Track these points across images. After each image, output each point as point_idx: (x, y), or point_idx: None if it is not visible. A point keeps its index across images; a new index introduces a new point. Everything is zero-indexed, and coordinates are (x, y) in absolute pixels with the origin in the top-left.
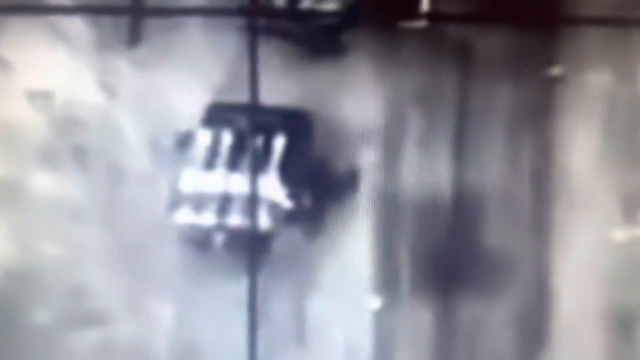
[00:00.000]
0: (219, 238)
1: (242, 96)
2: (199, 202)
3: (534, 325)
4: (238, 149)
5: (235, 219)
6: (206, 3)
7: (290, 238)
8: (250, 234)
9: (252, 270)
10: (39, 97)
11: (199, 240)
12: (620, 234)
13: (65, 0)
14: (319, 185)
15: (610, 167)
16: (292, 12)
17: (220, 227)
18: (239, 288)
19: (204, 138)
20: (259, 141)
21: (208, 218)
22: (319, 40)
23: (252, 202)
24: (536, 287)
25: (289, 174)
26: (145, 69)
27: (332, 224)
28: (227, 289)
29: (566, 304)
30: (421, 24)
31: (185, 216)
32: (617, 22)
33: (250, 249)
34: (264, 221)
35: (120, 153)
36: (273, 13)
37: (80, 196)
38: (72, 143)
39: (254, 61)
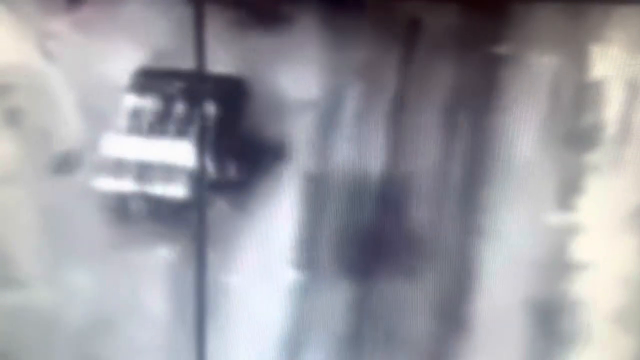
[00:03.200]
0: (137, 205)
1: (185, 62)
2: (119, 168)
3: (455, 309)
4: (163, 115)
5: (154, 187)
6: None
7: (212, 209)
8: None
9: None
10: None
11: (118, 208)
12: (552, 219)
13: None
14: (246, 156)
15: (549, 151)
16: None
17: (139, 195)
18: (156, 259)
19: (128, 103)
20: (184, 108)
21: (127, 185)
22: (264, 10)
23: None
24: (460, 270)
25: (214, 142)
26: (85, 32)
27: (257, 196)
28: (146, 259)
29: (490, 288)
30: None
31: (105, 183)
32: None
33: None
34: (179, 190)
35: (53, 117)
36: None
37: (9, 160)
38: (5, 105)
39: (200, 27)
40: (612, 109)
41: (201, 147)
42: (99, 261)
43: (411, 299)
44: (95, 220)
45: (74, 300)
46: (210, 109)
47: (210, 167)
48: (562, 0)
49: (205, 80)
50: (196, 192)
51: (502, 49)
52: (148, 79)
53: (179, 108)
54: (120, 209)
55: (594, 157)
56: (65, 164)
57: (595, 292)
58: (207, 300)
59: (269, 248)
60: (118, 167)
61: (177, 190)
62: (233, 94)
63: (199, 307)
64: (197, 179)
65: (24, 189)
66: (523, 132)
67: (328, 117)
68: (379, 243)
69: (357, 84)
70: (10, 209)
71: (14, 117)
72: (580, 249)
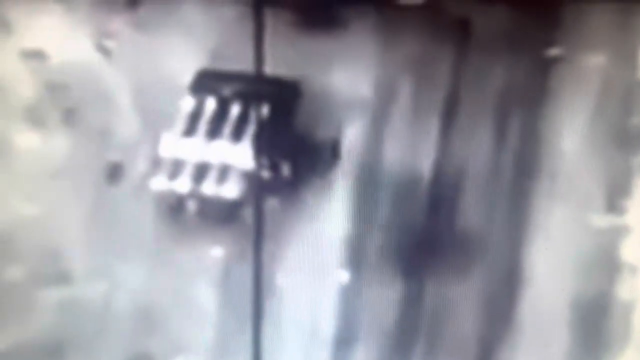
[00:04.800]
0: (192, 205)
1: (241, 64)
2: (175, 168)
3: (502, 309)
4: (220, 116)
5: (209, 187)
6: None
7: (263, 208)
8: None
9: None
10: (33, 56)
11: (173, 207)
12: (599, 220)
13: None
14: (299, 156)
15: (598, 152)
16: None
17: (194, 194)
18: (208, 257)
19: (187, 104)
20: (241, 109)
21: (182, 185)
22: (317, 11)
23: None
24: (508, 270)
25: (267, 143)
26: (144, 32)
27: (309, 196)
28: (197, 256)
29: (537, 288)
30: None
31: (160, 182)
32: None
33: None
34: (234, 190)
35: (109, 116)
36: None
37: (63, 157)
38: (62, 103)
39: (259, 29)
40: None
41: (256, 148)
42: (152, 258)
43: (460, 298)
44: (148, 218)
45: (125, 295)
46: (266, 110)
47: (265, 167)
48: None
49: (262, 81)
50: (252, 192)
51: (552, 51)
52: (205, 80)
53: (235, 109)
54: (174, 208)
55: None
56: (119, 164)
57: None
58: (253, 298)
59: (320, 247)
60: (173, 167)
61: (231, 190)
62: (288, 96)
63: (256, 306)
64: (254, 179)
65: (78, 185)
66: (572, 132)
67: (380, 117)
68: (429, 242)
69: (409, 85)
70: (64, 205)
71: (71, 116)
72: (628, 251)
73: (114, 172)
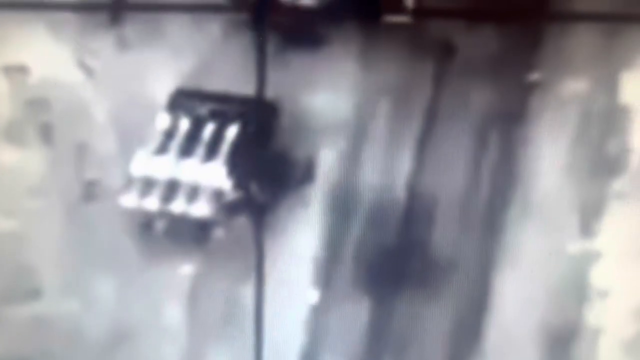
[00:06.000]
0: (161, 223)
1: (223, 83)
2: (146, 186)
3: (471, 333)
4: (193, 135)
5: (179, 206)
6: None
7: (233, 227)
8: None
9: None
10: (15, 72)
11: (143, 225)
12: (572, 246)
13: None
14: (273, 176)
15: (573, 177)
16: (271, 6)
17: (163, 212)
18: (176, 275)
19: (162, 122)
20: (214, 129)
21: (152, 203)
22: (300, 31)
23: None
24: (478, 294)
25: (240, 163)
26: (127, 50)
27: (280, 216)
28: (168, 274)
29: (506, 313)
30: (405, 18)
31: (131, 199)
32: (610, 19)
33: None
34: (204, 209)
35: (87, 133)
36: (252, 7)
37: (39, 174)
38: (41, 119)
39: (260, 52)
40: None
41: (229, 167)
42: (123, 276)
43: (429, 320)
44: (120, 236)
45: (96, 312)
46: (240, 129)
47: (237, 186)
48: (598, 20)
49: (238, 101)
50: (212, 211)
51: (533, 76)
52: (181, 99)
53: (210, 128)
54: (145, 226)
55: (618, 183)
56: (94, 181)
57: (611, 319)
58: (221, 316)
59: (291, 266)
60: (144, 185)
61: (202, 209)
62: (265, 116)
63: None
64: (250, 199)
65: (53, 202)
66: (549, 157)
67: (357, 138)
68: (400, 264)
69: (387, 106)
70: (38, 221)
71: (48, 132)
72: (598, 276)
73: (89, 189)
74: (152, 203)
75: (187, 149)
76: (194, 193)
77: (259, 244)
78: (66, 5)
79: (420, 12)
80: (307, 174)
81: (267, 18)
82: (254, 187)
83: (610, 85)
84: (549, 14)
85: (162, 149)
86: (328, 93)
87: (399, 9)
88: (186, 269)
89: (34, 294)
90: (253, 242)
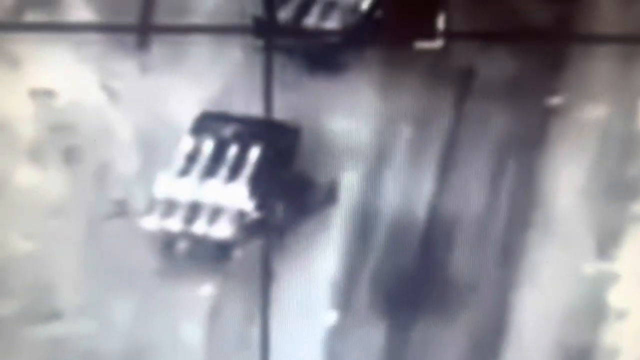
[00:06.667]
0: (183, 244)
1: (246, 106)
2: (168, 208)
3: (489, 354)
4: (216, 158)
5: (201, 227)
6: (213, 21)
7: (255, 248)
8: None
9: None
10: (41, 94)
11: (165, 245)
12: (589, 268)
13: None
14: (295, 198)
15: (592, 201)
16: (297, 30)
17: (185, 234)
18: (198, 295)
19: (185, 145)
20: (237, 151)
21: (175, 224)
22: (321, 57)
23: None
24: (496, 316)
25: (262, 184)
26: (151, 73)
27: (301, 238)
28: (188, 294)
29: (524, 334)
30: (436, 44)
31: (153, 221)
32: (629, 40)
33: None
34: (225, 230)
35: (110, 155)
36: (278, 31)
37: (62, 195)
38: (64, 142)
39: (268, 74)
40: None
41: (251, 189)
42: (142, 296)
43: (448, 342)
44: (140, 256)
45: (115, 332)
46: (263, 152)
47: (259, 208)
48: (617, 41)
49: (262, 124)
50: (234, 232)
51: (554, 100)
52: (206, 122)
53: (233, 150)
54: (166, 247)
55: (636, 207)
56: (116, 202)
57: (627, 340)
58: (241, 336)
59: (311, 287)
60: (167, 206)
61: (224, 230)
62: (287, 139)
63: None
64: (271, 220)
65: (73, 223)
66: (569, 181)
67: (379, 162)
68: (419, 287)
69: (408, 131)
70: (58, 242)
71: (71, 154)
72: (615, 298)
73: (111, 210)
74: (174, 224)
75: (209, 171)
76: (215, 214)
77: (273, 266)
78: (92, 26)
79: (447, 35)
80: (328, 196)
81: (289, 43)
82: (275, 209)
83: (629, 110)
84: (571, 37)
85: (185, 171)
86: (350, 117)
87: (429, 33)
88: (206, 289)
89: (54, 315)
90: (270, 263)
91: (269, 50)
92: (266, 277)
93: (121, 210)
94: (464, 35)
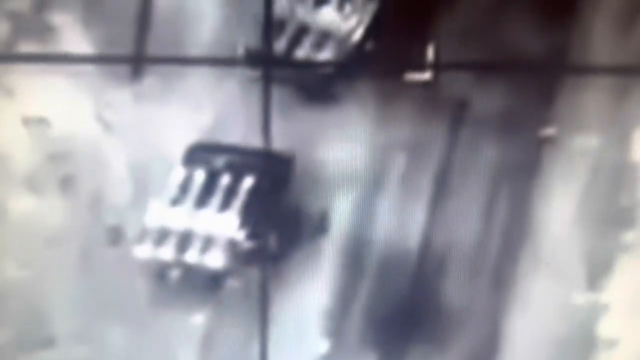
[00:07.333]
0: (175, 273)
1: (240, 137)
2: (160, 237)
3: None
4: (208, 187)
5: (193, 256)
6: (209, 52)
7: (246, 278)
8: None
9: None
10: (35, 124)
11: (157, 274)
12: (580, 299)
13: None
14: (288, 227)
15: (583, 232)
16: (288, 61)
17: (177, 263)
18: (189, 324)
19: (178, 175)
20: (229, 180)
21: (167, 253)
22: (314, 88)
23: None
24: (487, 346)
25: (254, 214)
26: (146, 103)
27: (293, 267)
28: (181, 323)
29: None
30: (426, 76)
31: (145, 249)
32: (623, 71)
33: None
34: (217, 259)
35: (105, 184)
36: (270, 62)
37: (57, 224)
38: (60, 171)
39: (266, 105)
40: None
41: (243, 219)
42: (135, 324)
43: None
44: (133, 285)
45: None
46: (255, 182)
47: (250, 237)
48: (610, 73)
49: (255, 154)
50: (226, 261)
51: (546, 131)
52: (198, 152)
53: (225, 180)
54: (158, 276)
55: (627, 237)
56: (111, 230)
57: None
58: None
59: (303, 316)
60: (159, 235)
61: (216, 260)
62: (280, 169)
63: None
64: (263, 249)
65: (68, 252)
66: (560, 211)
67: (371, 192)
68: (411, 316)
69: (401, 161)
70: (52, 270)
71: (66, 183)
72: (605, 328)
73: (106, 239)
74: (166, 253)
75: (202, 200)
76: (207, 244)
77: (269, 295)
78: (87, 58)
79: (436, 67)
80: (320, 226)
81: (282, 74)
82: (267, 238)
83: (621, 141)
84: (564, 67)
85: (177, 200)
86: (343, 147)
87: (419, 65)
88: (198, 318)
89: (48, 342)
90: (264, 292)
91: (266, 81)
92: (264, 308)
93: (115, 238)
94: (455, 66)
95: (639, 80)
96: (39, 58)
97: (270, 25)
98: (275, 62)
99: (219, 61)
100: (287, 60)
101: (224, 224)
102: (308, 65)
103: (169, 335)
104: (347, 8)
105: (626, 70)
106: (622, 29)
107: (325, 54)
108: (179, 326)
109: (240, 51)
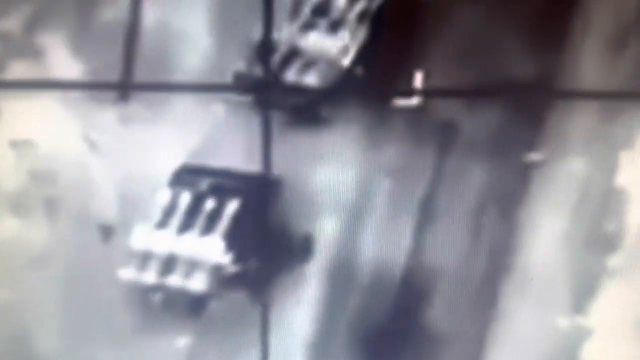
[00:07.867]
0: (158, 296)
1: (219, 161)
2: (144, 260)
3: None
4: (193, 210)
5: (176, 280)
6: (197, 77)
7: (230, 302)
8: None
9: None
10: (21, 145)
11: (140, 297)
12: (565, 323)
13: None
14: (271, 251)
15: (569, 256)
16: (276, 86)
17: (161, 286)
18: (172, 347)
19: (163, 197)
20: (215, 204)
21: (151, 276)
22: (302, 112)
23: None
24: None
25: (239, 237)
26: (132, 125)
27: (278, 290)
28: (162, 346)
29: None
30: (414, 101)
31: (129, 272)
32: (610, 96)
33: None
34: (201, 283)
35: (90, 206)
36: (256, 87)
37: (42, 245)
38: (45, 192)
39: (266, 130)
40: (636, 214)
41: (227, 242)
42: (120, 347)
43: None
44: (117, 307)
45: None
46: (240, 205)
47: (234, 261)
48: (598, 97)
49: (240, 177)
50: (209, 285)
51: (533, 156)
52: (184, 174)
53: (210, 203)
54: (142, 298)
55: (612, 262)
56: (96, 252)
57: None
58: None
59: (287, 340)
60: (143, 258)
61: (199, 283)
62: (265, 192)
63: None
64: (248, 273)
65: (52, 273)
66: (546, 235)
67: (357, 215)
68: (395, 340)
69: (387, 185)
70: (36, 292)
71: (51, 204)
72: (590, 353)
73: (89, 260)
74: (150, 276)
75: (186, 224)
76: (191, 267)
77: (256, 318)
78: (74, 84)
79: (424, 93)
80: (305, 249)
81: (271, 98)
82: (252, 262)
83: (608, 165)
84: (552, 92)
85: (162, 223)
86: (330, 170)
87: (408, 90)
88: (182, 341)
89: None
90: (249, 315)
91: (258, 106)
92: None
93: (95, 260)
94: (442, 92)
95: (627, 105)
96: (26, 85)
97: (268, 50)
98: (264, 87)
99: (205, 86)
100: (276, 85)
101: (209, 248)
102: (298, 89)
103: (153, 358)
104: (338, 33)
105: (614, 95)
106: (611, 54)
107: (315, 78)
108: (163, 349)
109: (230, 76)
